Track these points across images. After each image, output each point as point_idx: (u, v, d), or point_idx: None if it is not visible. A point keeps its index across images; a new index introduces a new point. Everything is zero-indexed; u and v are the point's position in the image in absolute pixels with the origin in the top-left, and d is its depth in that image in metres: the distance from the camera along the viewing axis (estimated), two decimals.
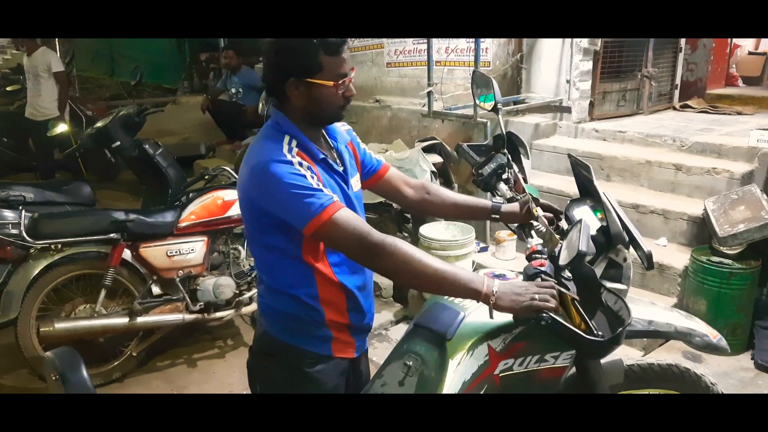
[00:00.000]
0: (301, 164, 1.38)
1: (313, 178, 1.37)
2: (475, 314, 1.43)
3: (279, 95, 1.47)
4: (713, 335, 1.68)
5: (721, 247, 3.19)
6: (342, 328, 1.55)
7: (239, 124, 6.19)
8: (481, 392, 1.40)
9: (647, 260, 1.47)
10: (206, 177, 3.56)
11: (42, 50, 5.69)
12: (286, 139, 1.43)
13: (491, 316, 1.32)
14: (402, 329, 3.36)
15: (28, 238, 2.86)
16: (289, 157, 1.38)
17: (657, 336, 1.86)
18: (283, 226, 1.40)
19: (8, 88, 7.08)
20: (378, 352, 3.13)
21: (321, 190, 1.36)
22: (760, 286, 3.28)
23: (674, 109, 5.34)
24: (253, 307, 3.33)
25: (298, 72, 1.40)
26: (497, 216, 1.69)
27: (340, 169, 1.54)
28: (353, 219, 1.36)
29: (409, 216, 3.97)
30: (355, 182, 1.61)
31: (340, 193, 1.50)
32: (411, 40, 5.33)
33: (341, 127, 1.63)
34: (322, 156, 1.49)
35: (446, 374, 1.38)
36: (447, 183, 4.13)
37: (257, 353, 1.61)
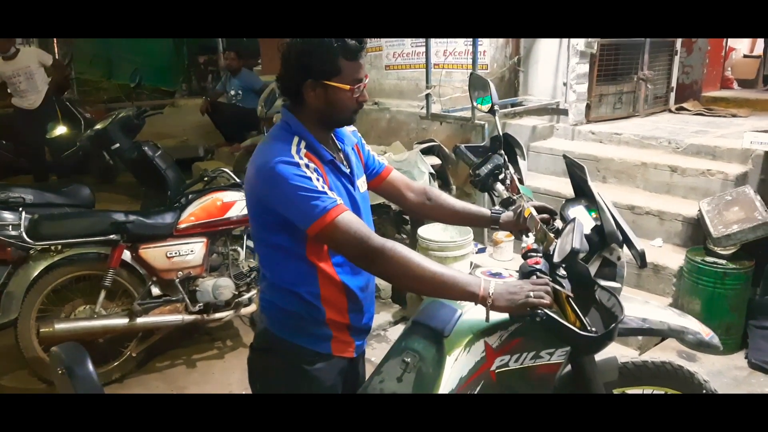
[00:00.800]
0: (307, 166, 1.40)
1: (318, 180, 1.40)
2: (471, 311, 1.45)
3: (294, 96, 1.49)
4: (706, 333, 1.69)
5: (716, 248, 3.22)
6: (342, 328, 1.57)
7: (238, 126, 6.21)
8: (478, 388, 1.43)
9: (640, 258, 1.49)
10: (205, 179, 3.58)
11: (27, 50, 5.77)
12: (295, 140, 1.45)
13: (487, 320, 1.34)
14: (400, 330, 3.36)
15: (28, 240, 2.87)
16: (296, 158, 1.40)
17: (651, 333, 1.89)
18: (288, 224, 1.42)
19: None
20: (376, 353, 3.15)
21: (325, 193, 1.38)
22: (753, 286, 3.31)
23: (670, 111, 5.37)
24: (252, 308, 3.35)
25: (316, 74, 1.43)
26: (496, 226, 1.73)
27: (347, 170, 1.57)
28: (355, 223, 1.38)
29: (407, 217, 3.99)
30: (362, 183, 1.63)
31: (347, 195, 1.53)
32: (409, 42, 5.35)
33: (348, 129, 1.65)
34: (330, 158, 1.51)
35: (444, 370, 1.40)
36: (445, 184, 4.16)
37: (257, 349, 1.63)
